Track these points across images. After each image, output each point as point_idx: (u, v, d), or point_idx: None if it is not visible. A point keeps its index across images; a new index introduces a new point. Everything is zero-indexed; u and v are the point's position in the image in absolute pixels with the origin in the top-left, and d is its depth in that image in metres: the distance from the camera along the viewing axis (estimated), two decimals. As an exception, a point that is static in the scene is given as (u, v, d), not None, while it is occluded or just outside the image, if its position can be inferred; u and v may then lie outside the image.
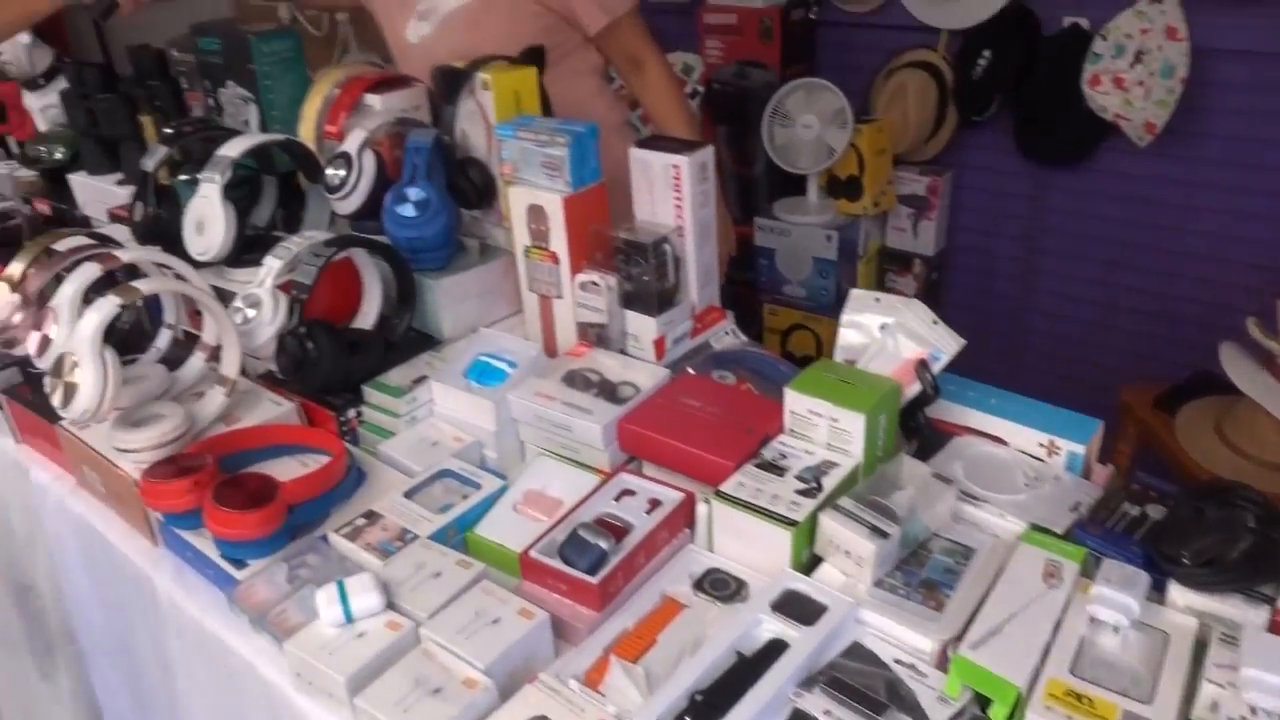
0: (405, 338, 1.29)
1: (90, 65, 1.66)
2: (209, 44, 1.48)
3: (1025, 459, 1.02)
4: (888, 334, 1.06)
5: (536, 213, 1.22)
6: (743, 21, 2.61)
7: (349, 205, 1.32)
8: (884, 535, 0.87)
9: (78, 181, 1.77)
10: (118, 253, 1.13)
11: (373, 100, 1.40)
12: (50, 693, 1.68)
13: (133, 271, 1.17)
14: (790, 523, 0.90)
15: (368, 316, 1.30)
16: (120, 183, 1.70)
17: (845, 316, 1.11)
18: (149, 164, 1.28)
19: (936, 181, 2.64)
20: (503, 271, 1.37)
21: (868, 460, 0.98)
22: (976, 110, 2.51)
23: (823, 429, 0.99)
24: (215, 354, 1.22)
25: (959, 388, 1.09)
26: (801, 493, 0.93)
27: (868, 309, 1.09)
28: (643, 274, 1.21)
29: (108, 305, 1.02)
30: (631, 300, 1.23)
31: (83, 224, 1.77)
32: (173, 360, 1.25)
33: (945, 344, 1.02)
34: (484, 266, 1.35)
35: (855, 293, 1.11)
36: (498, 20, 1.66)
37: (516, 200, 1.24)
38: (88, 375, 1.00)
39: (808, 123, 2.47)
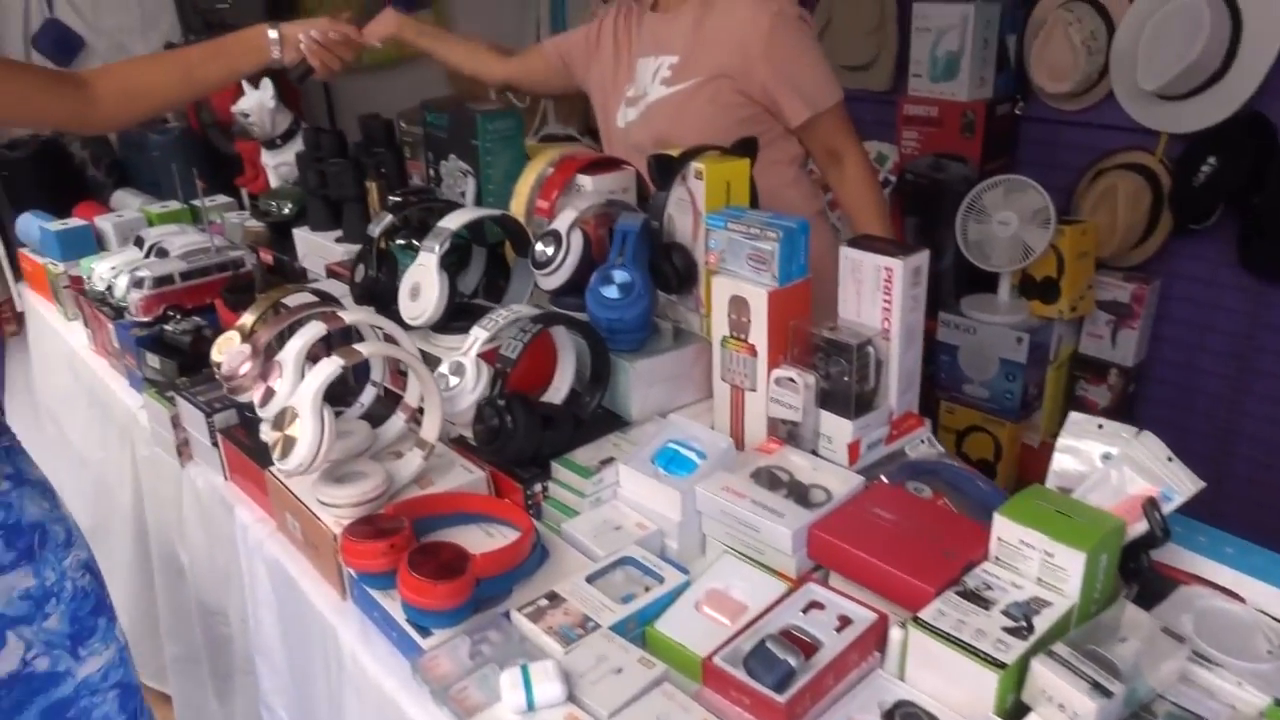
0: (594, 416, 1.30)
1: (327, 132, 1.79)
2: (437, 119, 1.57)
3: (1267, 621, 0.92)
4: (1112, 465, 0.98)
5: (739, 304, 1.21)
6: (944, 114, 2.56)
7: (554, 281, 1.35)
8: (1107, 694, 0.80)
9: (301, 235, 1.89)
10: (341, 313, 1.18)
11: (584, 181, 1.44)
12: (224, 715, 1.76)
13: (347, 330, 1.23)
14: (998, 664, 0.83)
15: (559, 391, 1.32)
16: (339, 240, 1.81)
17: (1062, 441, 1.04)
18: (374, 230, 1.35)
19: (1142, 289, 2.49)
20: (694, 357, 1.36)
21: (1083, 603, 0.91)
22: (1196, 219, 2.36)
23: (1034, 563, 0.92)
24: (415, 415, 1.26)
25: (1187, 530, 1.00)
26: (1010, 631, 0.87)
27: (1088, 435, 1.02)
28: (843, 375, 1.18)
29: (330, 366, 1.07)
30: (828, 400, 1.20)
31: (301, 275, 1.89)
32: (374, 417, 1.30)
33: (1180, 484, 0.94)
34: (677, 351, 1.35)
35: (1075, 416, 1.04)
36: (701, 109, 1.70)
37: (719, 290, 1.23)
38: (306, 431, 1.04)
39: (1005, 220, 2.38)
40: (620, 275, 1.28)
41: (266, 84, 2.05)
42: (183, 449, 1.49)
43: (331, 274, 1.71)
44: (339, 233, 1.83)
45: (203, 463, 1.46)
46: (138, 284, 1.70)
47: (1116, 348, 2.56)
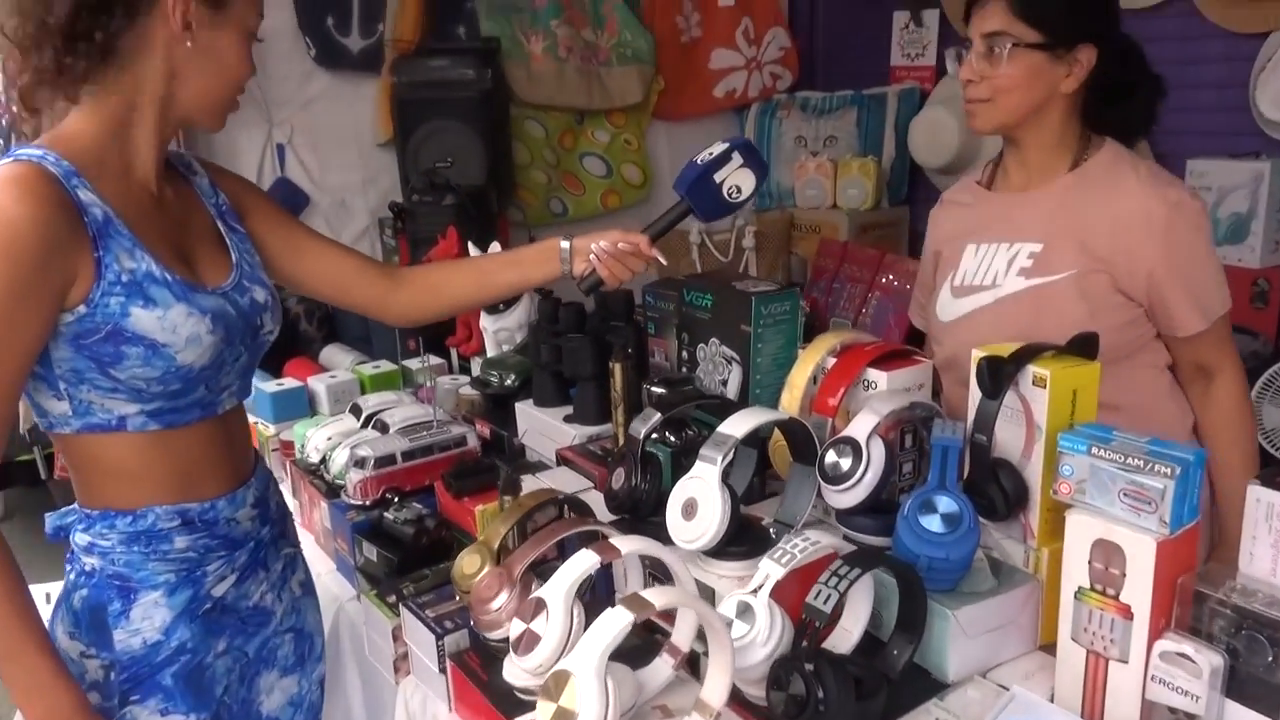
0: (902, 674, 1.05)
1: (567, 305, 1.65)
2: (700, 299, 1.40)
3: None
4: None
5: (1107, 551, 0.96)
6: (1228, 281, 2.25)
7: (849, 499, 1.13)
8: None
9: (524, 410, 1.75)
10: (616, 542, 0.99)
11: (876, 376, 1.23)
12: None
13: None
14: None
15: (849, 636, 1.08)
16: (568, 419, 1.66)
17: None
18: (639, 430, 1.18)
19: None
20: (1022, 602, 1.10)
21: None
22: None
23: None
24: (685, 661, 1.04)
25: None
26: None
27: None
28: (1265, 657, 0.90)
29: (620, 620, 0.87)
30: (1239, 689, 0.91)
31: (520, 452, 1.74)
32: (624, 650, 1.08)
33: None
34: (1003, 596, 1.09)
35: None
36: (1071, 306, 1.40)
37: (1080, 530, 0.98)
38: (591, 705, 0.84)
39: (1313, 406, 2.03)
40: (945, 503, 1.05)
41: (496, 247, 1.97)
42: (400, 663, 1.31)
43: (563, 460, 1.54)
44: (567, 409, 1.68)
45: (422, 683, 1.27)
46: (359, 464, 1.58)
47: None
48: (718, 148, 1.35)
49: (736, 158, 1.33)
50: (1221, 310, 1.41)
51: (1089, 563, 0.98)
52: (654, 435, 1.32)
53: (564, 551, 1.13)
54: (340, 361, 2.32)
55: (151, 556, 1.14)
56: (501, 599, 1.02)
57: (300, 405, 2.08)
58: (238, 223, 1.28)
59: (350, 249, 1.44)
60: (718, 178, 1.33)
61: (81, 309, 1.06)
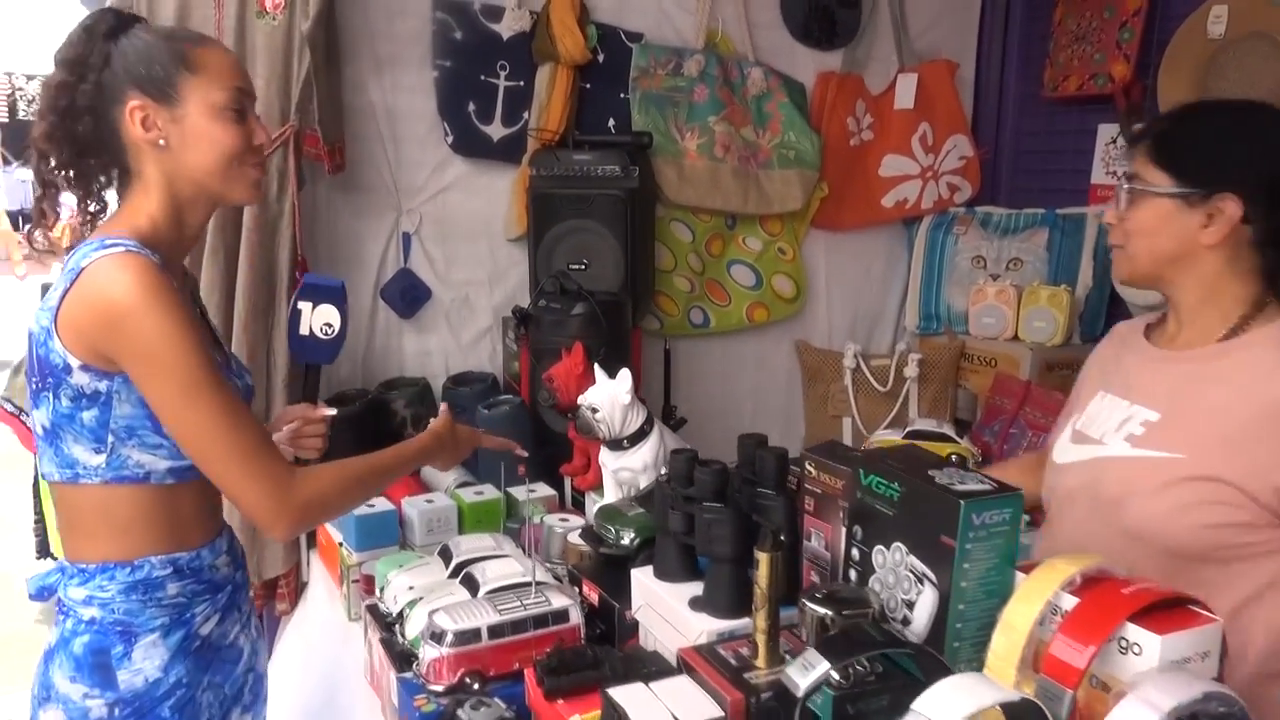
0: None
1: (707, 464, 1.32)
2: (883, 486, 1.06)
3: None
4: None
5: None
6: None
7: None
8: None
9: (641, 580, 1.42)
10: None
11: (1143, 639, 0.86)
12: None
13: None
14: None
15: None
16: (695, 604, 1.32)
17: None
18: (800, 683, 0.84)
19: None
20: None
21: None
22: None
23: None
24: None
25: None
26: None
27: None
28: None
29: None
30: None
31: (631, 630, 1.41)
32: None
33: None
34: None
35: None
36: (1161, 494, 1.29)
37: None
38: None
39: None
40: None
41: (625, 375, 1.69)
42: None
43: (685, 665, 1.21)
44: (695, 587, 1.34)
45: None
46: (436, 637, 1.29)
47: None
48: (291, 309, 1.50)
49: (304, 305, 1.45)
50: None
51: None
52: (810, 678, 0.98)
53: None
54: (441, 480, 2.06)
55: (149, 603, 1.28)
56: None
57: (390, 532, 1.82)
58: None
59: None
60: (304, 330, 1.46)
61: None
